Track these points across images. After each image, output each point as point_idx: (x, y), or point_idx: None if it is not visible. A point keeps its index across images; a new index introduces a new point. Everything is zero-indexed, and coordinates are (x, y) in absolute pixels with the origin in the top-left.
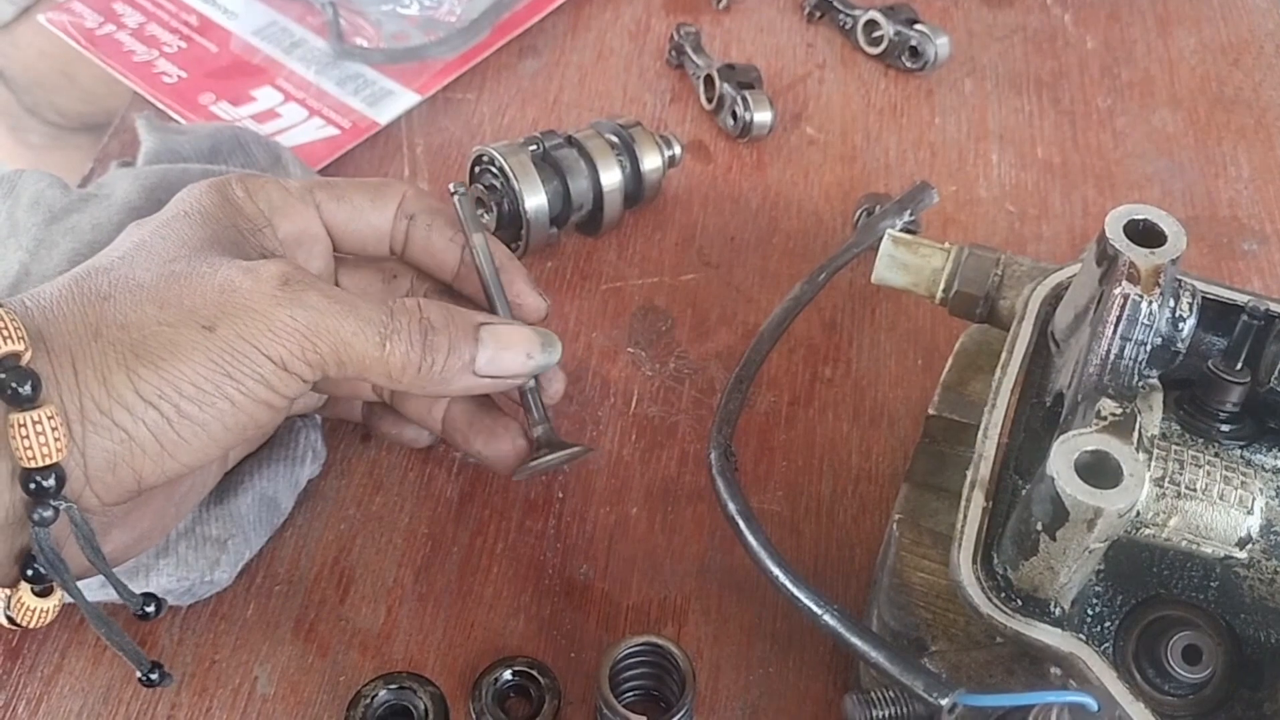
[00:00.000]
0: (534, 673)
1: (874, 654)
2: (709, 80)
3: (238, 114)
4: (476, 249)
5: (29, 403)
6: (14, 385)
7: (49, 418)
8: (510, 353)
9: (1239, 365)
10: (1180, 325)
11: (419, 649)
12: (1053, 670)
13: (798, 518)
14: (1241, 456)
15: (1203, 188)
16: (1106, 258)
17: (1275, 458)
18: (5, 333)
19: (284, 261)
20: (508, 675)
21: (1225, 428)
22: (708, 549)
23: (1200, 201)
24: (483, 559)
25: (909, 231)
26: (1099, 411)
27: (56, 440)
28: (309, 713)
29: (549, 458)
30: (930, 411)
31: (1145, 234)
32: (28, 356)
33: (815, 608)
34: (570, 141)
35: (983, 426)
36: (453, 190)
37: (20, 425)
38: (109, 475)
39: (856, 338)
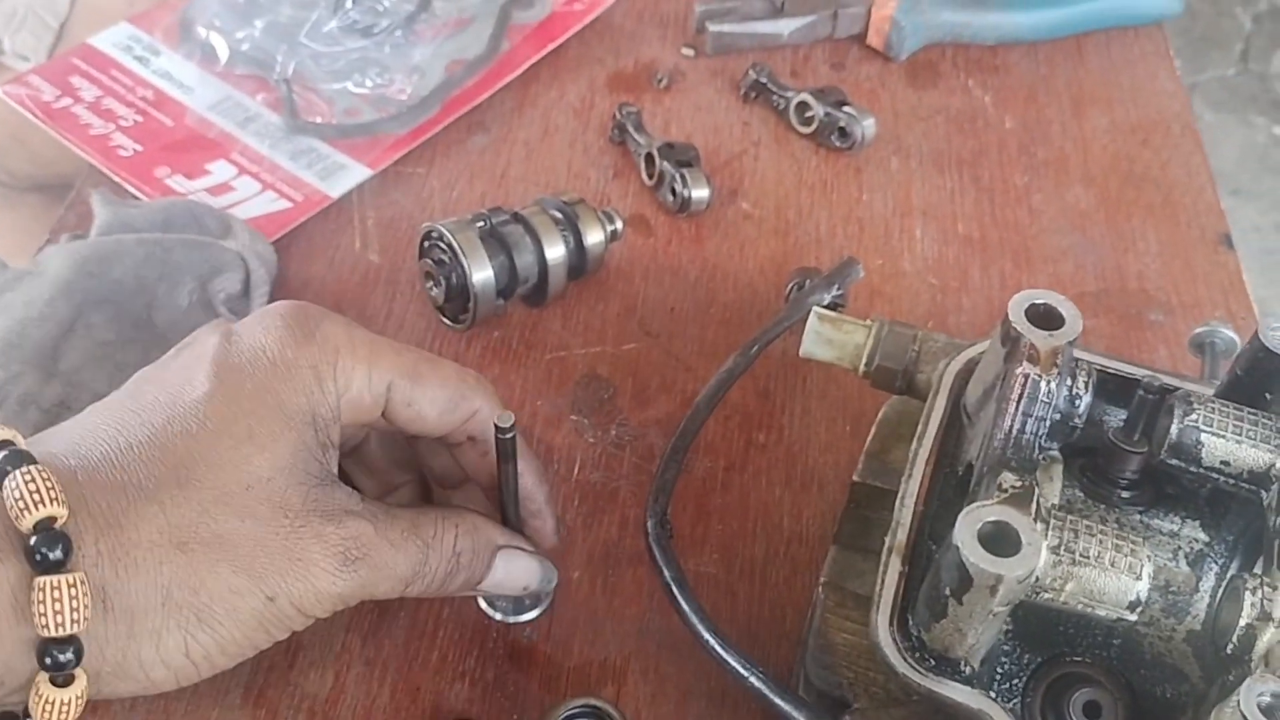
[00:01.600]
0: None
1: (795, 714)
2: (649, 158)
3: (192, 187)
4: (507, 481)
5: (56, 567)
6: (44, 549)
7: (71, 585)
8: (511, 579)
9: (1137, 436)
10: (1077, 402)
11: (365, 714)
12: None
13: (733, 579)
14: (1141, 521)
15: (1113, 261)
16: (1010, 339)
17: (1172, 522)
18: (41, 496)
19: (353, 525)
20: None
21: (1125, 494)
22: (646, 610)
23: (1110, 275)
24: (429, 624)
25: (836, 305)
26: (1000, 484)
27: (76, 611)
28: None
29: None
30: (855, 478)
31: (1045, 317)
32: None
33: (742, 670)
34: (516, 218)
35: (900, 494)
36: (499, 426)
37: (42, 590)
38: (119, 684)
39: (788, 405)
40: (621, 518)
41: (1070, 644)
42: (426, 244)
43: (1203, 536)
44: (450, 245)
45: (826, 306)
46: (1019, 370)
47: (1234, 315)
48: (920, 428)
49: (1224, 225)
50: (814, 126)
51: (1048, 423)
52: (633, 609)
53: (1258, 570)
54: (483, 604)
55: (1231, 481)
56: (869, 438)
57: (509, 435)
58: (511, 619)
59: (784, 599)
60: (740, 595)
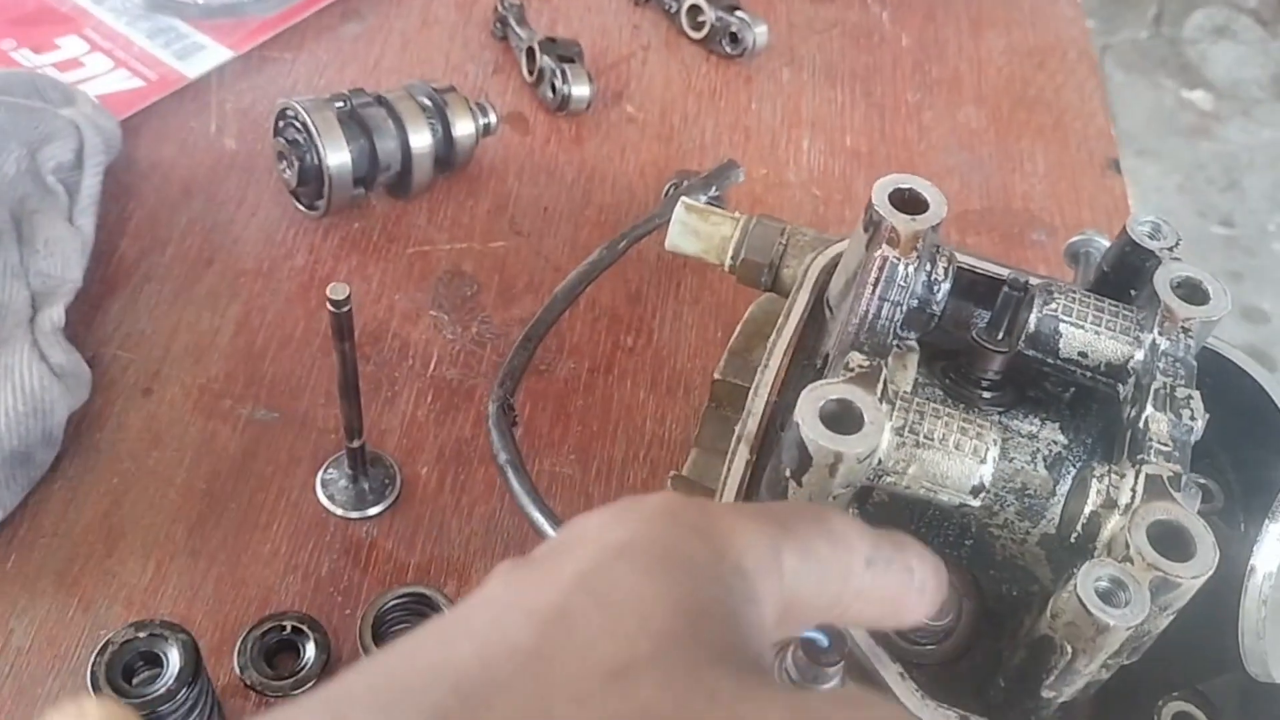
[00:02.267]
0: (304, 628)
1: None
2: (530, 53)
3: (39, 61)
4: (345, 360)
5: None
6: None
7: None
8: None
9: (1000, 335)
10: (936, 289)
11: (186, 605)
12: None
13: (589, 480)
14: (1000, 422)
15: (999, 181)
16: (872, 224)
17: (1032, 424)
18: None
19: None
20: (276, 630)
21: (987, 395)
22: (497, 509)
23: (996, 194)
24: (262, 515)
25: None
26: (847, 364)
27: None
28: (65, 666)
29: None
30: (715, 376)
31: (909, 202)
32: None
33: None
34: (380, 101)
35: (754, 385)
36: (331, 298)
37: None
38: None
39: (660, 309)
40: (477, 415)
41: (921, 541)
42: (281, 123)
43: (1062, 439)
44: (305, 125)
45: None
46: (878, 253)
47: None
48: (781, 320)
49: (1113, 150)
50: (705, 31)
51: (904, 308)
52: (482, 507)
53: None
54: (322, 498)
55: (1089, 375)
56: (734, 335)
57: (343, 310)
58: (353, 514)
59: None
60: (596, 496)
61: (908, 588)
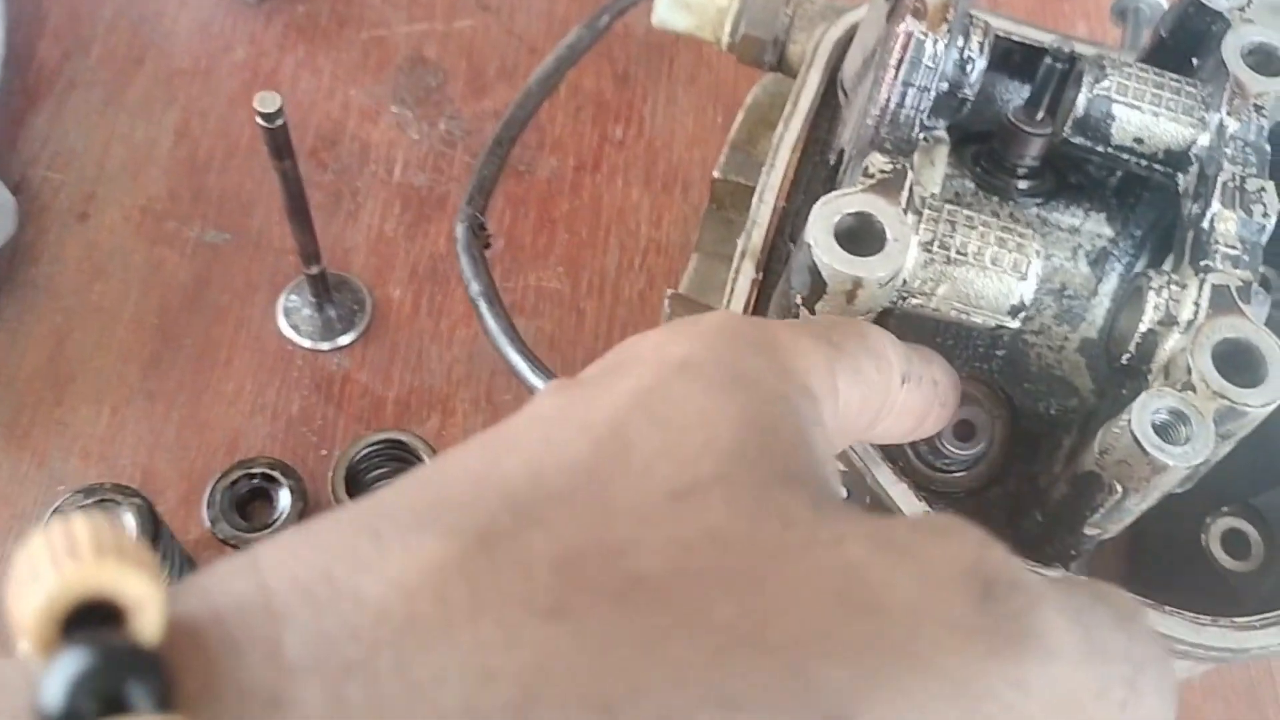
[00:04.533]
0: (276, 474)
1: None
2: None
3: None
4: (287, 181)
5: None
6: None
7: None
8: None
9: (1040, 115)
10: (969, 68)
11: (147, 454)
12: None
13: (579, 295)
14: (1039, 215)
15: None
16: None
17: (1074, 215)
18: None
19: None
20: (247, 478)
21: (1023, 184)
22: (479, 333)
23: None
24: (221, 351)
25: None
26: (867, 169)
27: None
28: (23, 526)
29: None
30: (715, 174)
31: None
32: None
33: None
34: None
35: (759, 189)
36: (259, 110)
37: None
38: None
39: (651, 93)
40: (452, 227)
41: (948, 355)
42: None
43: (1107, 232)
44: None
45: None
46: (900, 28)
47: None
48: (788, 108)
49: None
50: None
51: (932, 94)
52: (463, 331)
53: (1166, 268)
54: (285, 328)
55: (1144, 163)
56: (734, 125)
57: (276, 124)
58: (321, 345)
59: (638, 316)
60: (588, 313)
61: (932, 402)
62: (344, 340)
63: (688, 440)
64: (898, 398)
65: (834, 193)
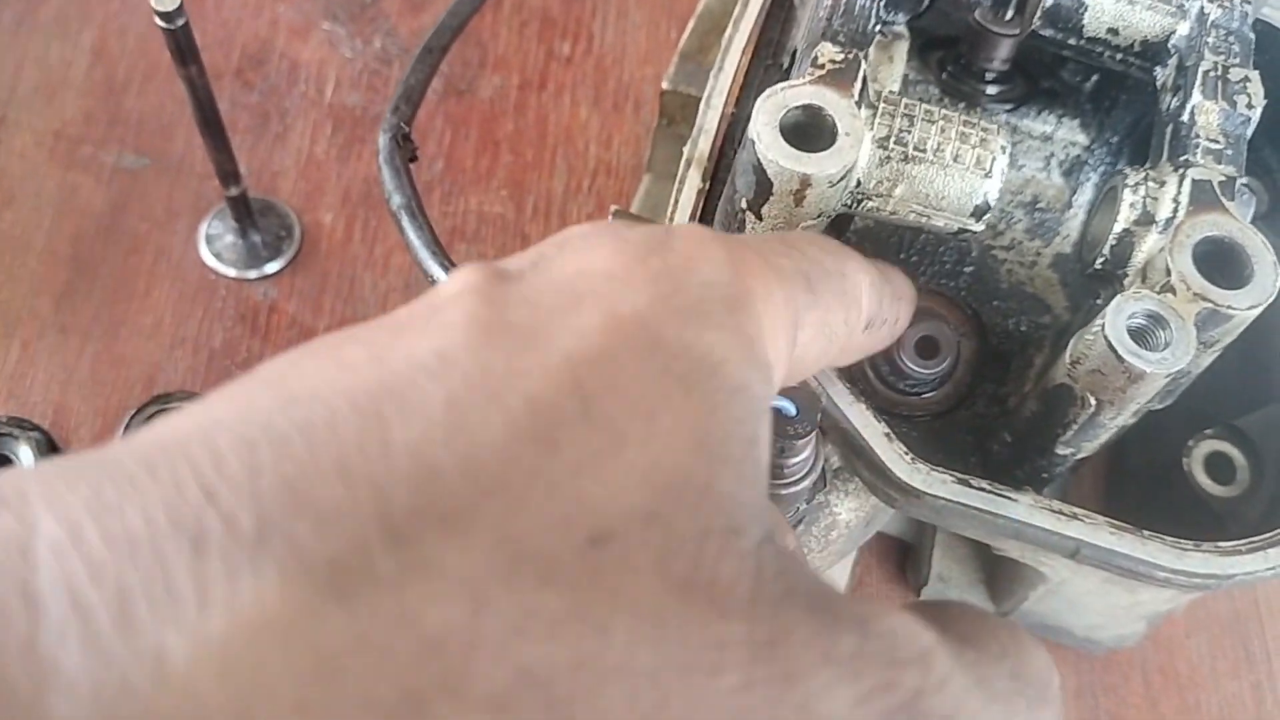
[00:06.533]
0: None
1: None
2: None
3: None
4: (193, 88)
5: None
6: None
7: None
8: None
9: (1009, 15)
10: None
11: (60, 390)
12: None
13: (524, 220)
14: (1009, 123)
15: None
16: None
17: (1046, 122)
18: None
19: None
20: (163, 414)
21: (991, 90)
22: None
23: None
24: (139, 281)
25: None
26: (816, 59)
27: None
28: None
29: None
30: (664, 86)
31: None
32: None
33: None
34: None
35: (705, 93)
36: (157, 10)
37: None
38: None
39: (600, 7)
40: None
41: (913, 272)
42: None
43: (1081, 139)
44: None
45: None
46: None
47: None
48: (738, 8)
49: None
50: None
51: None
52: (399, 258)
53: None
54: (208, 257)
55: (1120, 57)
56: (685, 34)
57: (177, 25)
58: (246, 274)
59: None
60: (533, 238)
61: (886, 340)
62: (270, 268)
63: (625, 457)
64: (857, 340)
65: (780, 84)
